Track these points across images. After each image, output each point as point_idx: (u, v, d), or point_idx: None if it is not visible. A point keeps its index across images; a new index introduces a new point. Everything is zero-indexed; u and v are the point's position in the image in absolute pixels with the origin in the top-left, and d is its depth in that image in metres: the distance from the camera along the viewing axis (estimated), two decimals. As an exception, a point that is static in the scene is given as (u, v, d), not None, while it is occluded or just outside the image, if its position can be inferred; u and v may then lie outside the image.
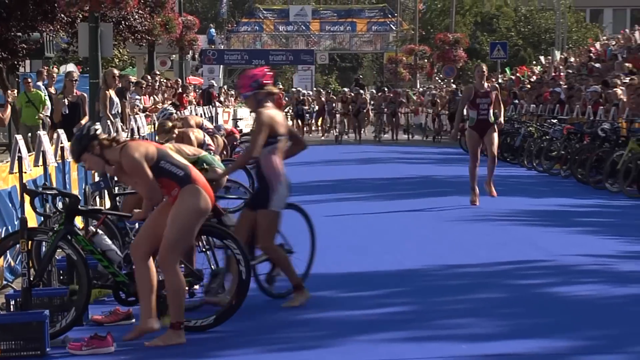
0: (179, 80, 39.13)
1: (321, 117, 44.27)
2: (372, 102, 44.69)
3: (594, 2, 64.25)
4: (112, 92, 21.02)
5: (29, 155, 10.29)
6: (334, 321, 9.01)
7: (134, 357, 7.98)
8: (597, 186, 19.94)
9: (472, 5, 66.74)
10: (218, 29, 75.47)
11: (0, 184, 11.16)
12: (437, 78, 55.78)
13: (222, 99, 50.97)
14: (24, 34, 28.02)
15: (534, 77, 37.50)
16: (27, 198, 9.20)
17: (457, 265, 11.71)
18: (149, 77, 30.36)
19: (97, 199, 12.30)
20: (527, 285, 10.59)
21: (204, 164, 10.97)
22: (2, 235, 10.53)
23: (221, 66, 68.24)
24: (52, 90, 22.84)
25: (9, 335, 7.98)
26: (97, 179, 12.73)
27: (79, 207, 8.80)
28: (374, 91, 57.84)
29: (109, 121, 18.78)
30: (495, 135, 17.18)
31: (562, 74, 33.65)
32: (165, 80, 34.17)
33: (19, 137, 9.86)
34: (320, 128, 44.52)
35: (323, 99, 43.87)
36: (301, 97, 41.58)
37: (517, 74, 40.65)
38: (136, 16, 31.43)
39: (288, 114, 40.38)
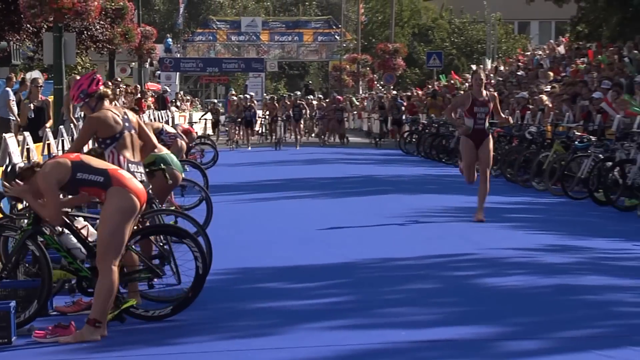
0: (138, 86, 38.92)
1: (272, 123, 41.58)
2: (318, 109, 44.24)
3: (522, 15, 64.63)
4: (75, 97, 20.82)
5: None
6: (283, 310, 8.99)
7: (95, 344, 7.91)
8: (525, 185, 20.09)
9: (410, 17, 67.28)
10: (175, 39, 75.16)
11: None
12: (378, 85, 55.86)
13: (178, 104, 50.75)
14: (-8, 42, 27.83)
15: (466, 84, 37.71)
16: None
17: (396, 258, 11.72)
18: (110, 84, 30.12)
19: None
20: (460, 277, 10.63)
21: (162, 164, 10.79)
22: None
23: (178, 73, 68.04)
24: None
25: (-23, 324, 7.90)
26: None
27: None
28: (322, 97, 57.79)
29: (72, 124, 18.66)
30: (491, 146, 15.33)
31: (492, 81, 33.90)
32: (124, 87, 33.93)
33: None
34: (261, 134, 41.65)
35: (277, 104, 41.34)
36: (248, 103, 39.24)
37: (452, 81, 40.89)
38: (98, 26, 31.19)
39: (240, 120, 38.03)
